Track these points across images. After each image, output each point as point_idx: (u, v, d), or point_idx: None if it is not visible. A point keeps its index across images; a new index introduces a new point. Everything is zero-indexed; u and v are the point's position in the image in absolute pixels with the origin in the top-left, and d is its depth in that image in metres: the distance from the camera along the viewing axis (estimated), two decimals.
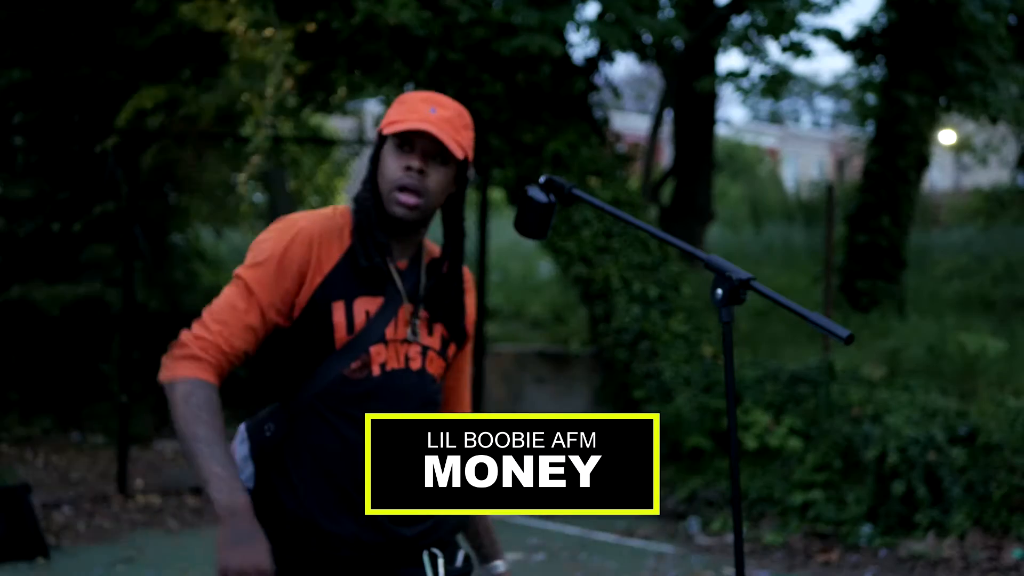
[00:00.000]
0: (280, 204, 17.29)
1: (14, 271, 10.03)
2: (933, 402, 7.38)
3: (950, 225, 20.31)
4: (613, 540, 7.44)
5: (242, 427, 2.58)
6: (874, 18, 11.32)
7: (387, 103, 8.75)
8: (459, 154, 2.46)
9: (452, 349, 2.60)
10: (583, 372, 9.68)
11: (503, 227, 12.21)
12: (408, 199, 2.46)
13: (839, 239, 11.12)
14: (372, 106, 15.98)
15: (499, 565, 2.63)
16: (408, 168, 2.45)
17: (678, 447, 8.09)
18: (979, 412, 7.19)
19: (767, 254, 15.97)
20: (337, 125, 19.62)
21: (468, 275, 2.69)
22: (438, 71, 8.59)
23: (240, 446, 2.56)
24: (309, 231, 2.49)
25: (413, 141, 2.46)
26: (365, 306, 2.47)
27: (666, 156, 23.11)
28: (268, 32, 8.50)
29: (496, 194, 11.56)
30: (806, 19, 15.36)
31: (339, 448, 2.45)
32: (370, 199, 2.50)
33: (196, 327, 2.45)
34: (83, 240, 10.12)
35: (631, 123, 27.43)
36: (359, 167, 17.34)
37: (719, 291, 2.35)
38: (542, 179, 2.62)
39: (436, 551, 2.55)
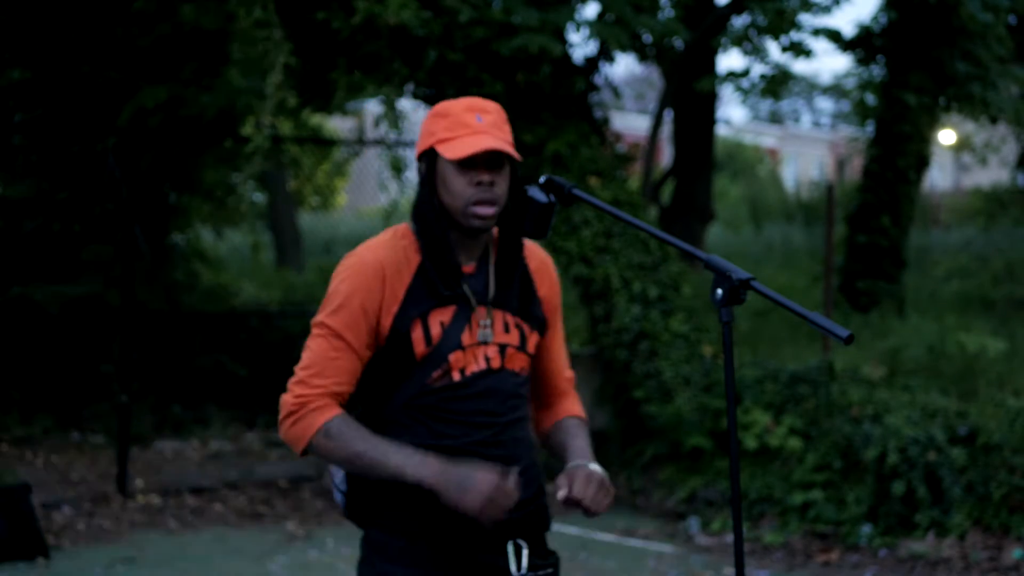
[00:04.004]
0: (280, 204, 17.33)
1: (14, 271, 10.03)
2: (933, 402, 7.37)
3: (950, 225, 20.33)
4: (613, 540, 7.44)
5: None
6: (874, 18, 11.32)
7: (387, 103, 8.74)
8: (516, 156, 2.56)
9: (534, 339, 2.67)
10: (583, 372, 9.66)
11: None
12: (486, 211, 2.54)
13: (839, 239, 11.12)
14: (372, 106, 15.97)
15: (580, 463, 2.61)
16: (479, 184, 2.53)
17: (678, 447, 8.08)
18: (979, 412, 7.19)
19: (767, 254, 15.99)
20: (337, 125, 19.61)
21: (542, 260, 2.75)
22: (438, 71, 8.59)
23: None
24: (375, 265, 2.56)
25: (474, 154, 2.53)
26: (439, 318, 2.56)
27: (666, 156, 23.11)
28: (268, 32, 8.50)
29: None
30: (806, 19, 15.34)
31: (431, 443, 2.55)
32: (436, 220, 2.57)
33: (297, 388, 2.54)
34: (83, 240, 10.11)
35: (631, 123, 27.42)
36: (360, 168, 17.34)
37: (719, 291, 2.36)
38: (542, 179, 2.63)
39: (521, 542, 2.62)
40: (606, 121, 9.46)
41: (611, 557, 7.05)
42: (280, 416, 2.56)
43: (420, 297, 2.56)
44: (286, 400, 2.55)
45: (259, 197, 16.63)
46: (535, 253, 2.73)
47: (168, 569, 6.72)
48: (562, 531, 7.62)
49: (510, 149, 2.53)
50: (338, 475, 2.67)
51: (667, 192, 13.16)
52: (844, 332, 2.25)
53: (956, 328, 9.76)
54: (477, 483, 2.43)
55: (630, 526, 7.73)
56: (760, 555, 7.09)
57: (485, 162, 2.54)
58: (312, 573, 6.73)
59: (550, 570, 2.65)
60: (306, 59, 9.17)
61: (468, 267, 2.61)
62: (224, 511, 8.05)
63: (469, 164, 2.54)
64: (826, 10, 10.32)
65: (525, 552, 2.60)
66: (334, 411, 2.54)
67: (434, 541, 2.56)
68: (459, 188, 2.54)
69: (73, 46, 10.08)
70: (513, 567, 2.59)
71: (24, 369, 9.94)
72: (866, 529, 7.05)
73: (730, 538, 7.36)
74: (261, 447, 9.81)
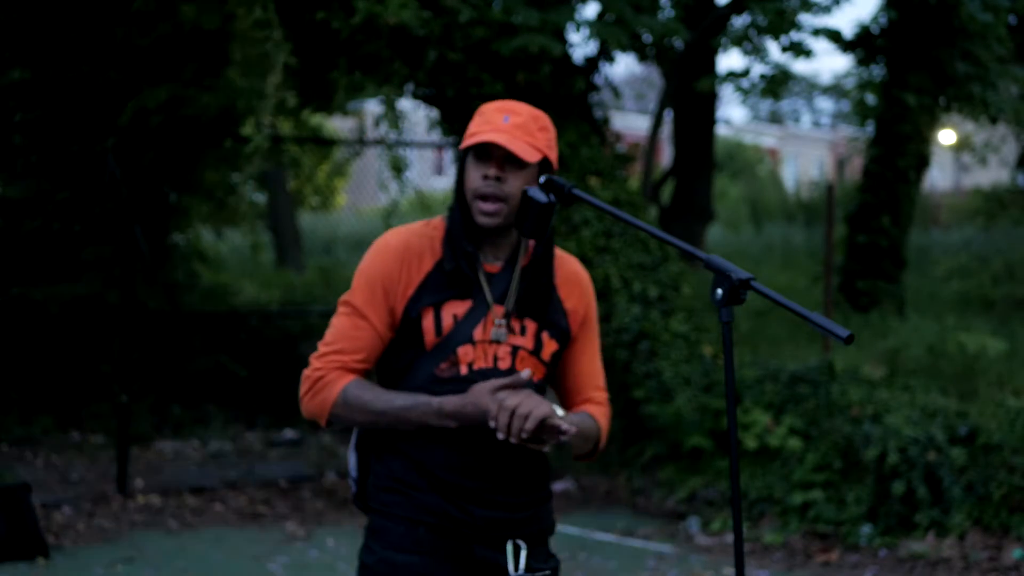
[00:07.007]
0: (280, 204, 17.33)
1: (14, 271, 10.03)
2: (933, 402, 7.38)
3: (950, 225, 20.34)
4: (613, 540, 7.44)
5: None
6: (874, 18, 11.32)
7: (387, 103, 8.74)
8: (531, 157, 2.58)
9: (552, 348, 2.68)
10: None
11: None
12: (488, 206, 2.60)
13: (839, 239, 11.12)
14: (372, 106, 15.97)
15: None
16: (486, 177, 2.59)
17: (678, 447, 8.08)
18: (979, 412, 7.19)
19: (767, 254, 15.99)
20: (337, 125, 19.61)
21: (579, 275, 2.77)
22: (438, 71, 8.59)
23: (353, 437, 2.78)
24: (397, 247, 2.64)
25: (490, 151, 2.60)
26: (453, 310, 2.61)
27: (666, 156, 23.12)
28: (268, 32, 8.50)
29: None
30: (806, 19, 15.38)
31: (431, 435, 2.59)
32: (457, 210, 2.65)
33: (316, 361, 2.63)
34: (83, 240, 10.11)
35: (631, 123, 27.43)
36: (361, 168, 17.35)
37: (719, 291, 2.36)
38: (542, 179, 2.64)
39: (520, 543, 2.64)
40: (606, 121, 9.46)
41: (611, 557, 7.05)
42: (300, 391, 2.63)
43: (437, 287, 2.61)
44: (305, 374, 2.62)
45: (259, 197, 16.62)
46: (567, 264, 2.75)
47: (168, 569, 6.72)
48: (562, 531, 7.62)
49: (518, 148, 2.56)
50: (351, 461, 2.74)
51: (667, 192, 13.16)
52: (844, 332, 2.25)
53: (956, 328, 9.77)
54: (492, 411, 2.47)
55: (630, 526, 7.73)
56: (760, 555, 7.09)
57: (500, 159, 2.59)
58: (312, 573, 6.73)
59: (548, 573, 2.67)
60: (306, 59, 9.17)
61: (494, 267, 2.66)
62: (224, 511, 8.05)
63: (483, 158, 2.60)
64: (826, 10, 10.33)
65: (523, 553, 2.62)
66: (348, 378, 2.60)
67: (433, 528, 2.60)
68: (471, 180, 2.61)
69: (73, 46, 10.07)
70: (511, 566, 2.61)
71: (24, 369, 9.93)
72: (866, 529, 7.05)
73: (730, 538, 7.36)
74: (261, 447, 9.81)
